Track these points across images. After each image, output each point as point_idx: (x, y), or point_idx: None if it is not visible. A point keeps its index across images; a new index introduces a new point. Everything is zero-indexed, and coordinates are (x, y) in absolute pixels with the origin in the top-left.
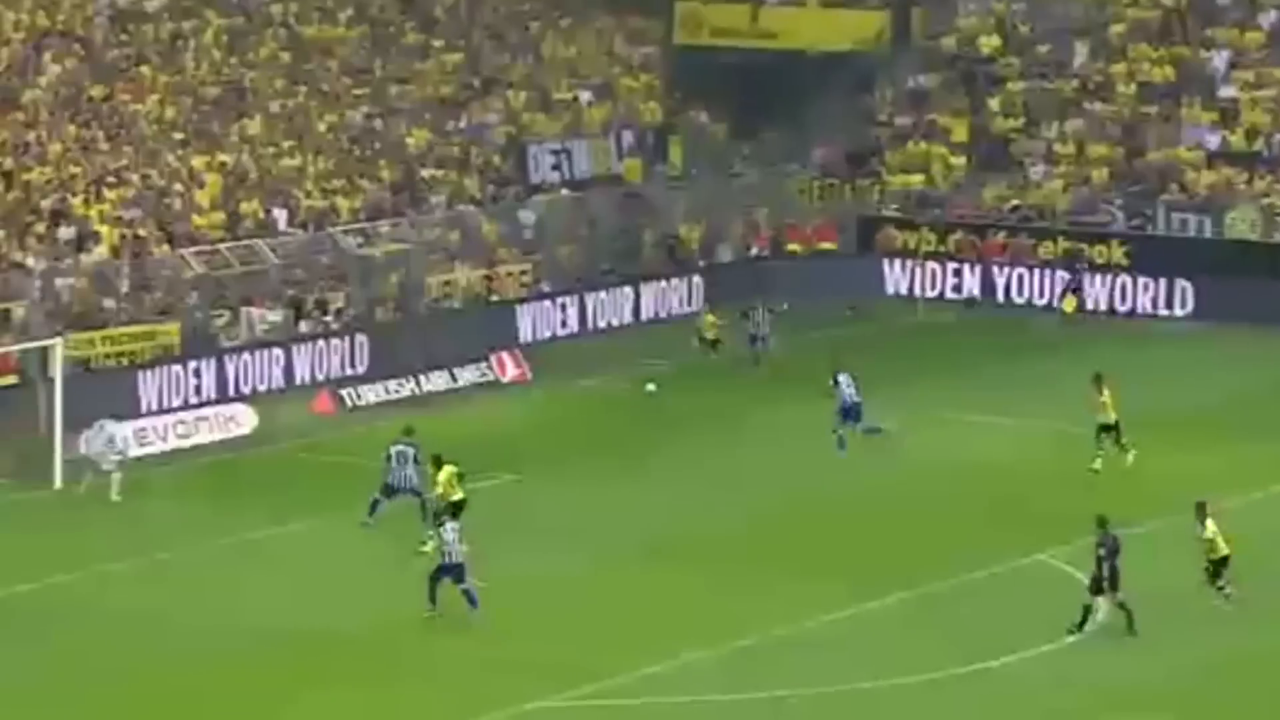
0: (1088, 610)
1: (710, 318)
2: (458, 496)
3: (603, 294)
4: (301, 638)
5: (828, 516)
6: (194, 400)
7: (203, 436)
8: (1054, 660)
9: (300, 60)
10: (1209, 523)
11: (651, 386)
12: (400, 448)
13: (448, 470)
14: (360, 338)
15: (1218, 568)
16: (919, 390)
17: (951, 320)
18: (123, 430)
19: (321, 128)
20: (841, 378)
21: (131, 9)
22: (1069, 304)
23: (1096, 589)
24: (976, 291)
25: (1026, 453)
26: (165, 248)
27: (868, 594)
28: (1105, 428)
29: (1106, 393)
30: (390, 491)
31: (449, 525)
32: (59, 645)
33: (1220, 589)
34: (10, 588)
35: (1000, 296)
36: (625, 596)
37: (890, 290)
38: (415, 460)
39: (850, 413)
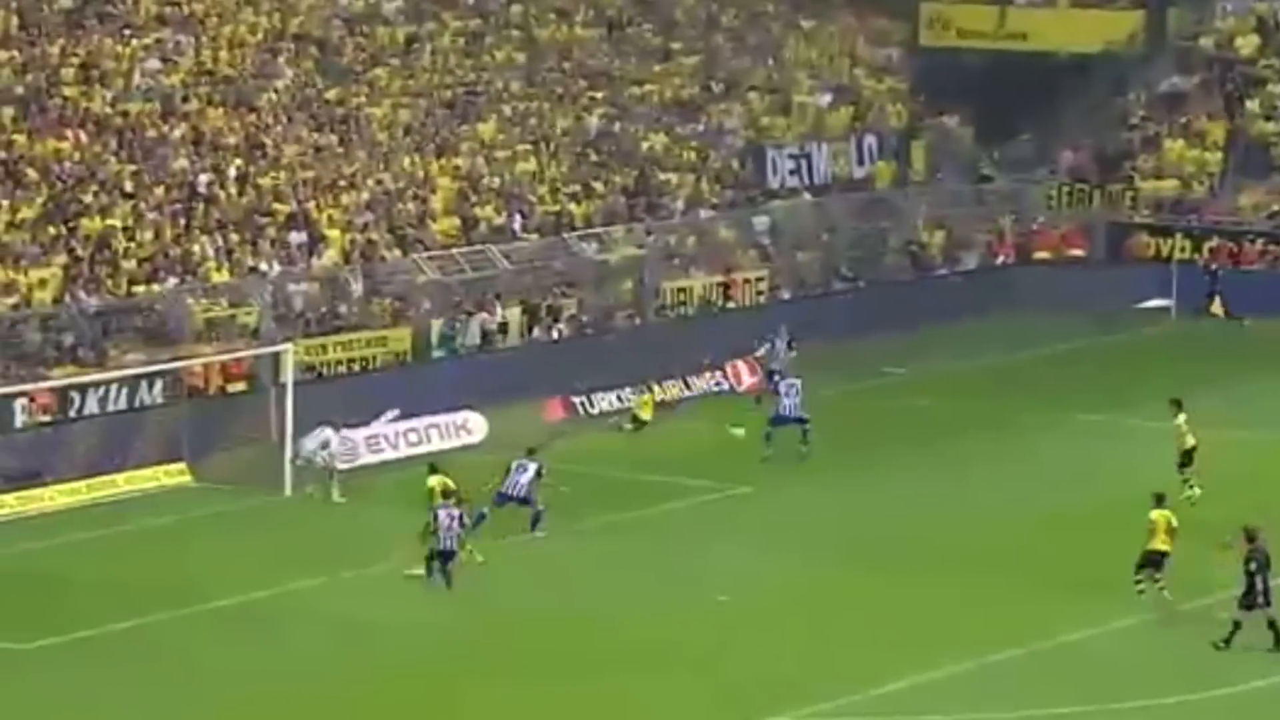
0: (1237, 626)
1: (645, 398)
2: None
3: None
4: (522, 641)
5: (1071, 528)
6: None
7: (434, 444)
8: None
9: (536, 62)
10: (1181, 416)
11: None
12: (521, 461)
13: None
14: (593, 345)
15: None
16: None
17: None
18: (333, 435)
19: (557, 131)
20: (783, 385)
21: (367, 12)
22: (1216, 308)
23: (1248, 604)
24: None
25: None
26: (396, 253)
27: (1116, 612)
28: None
29: (1182, 418)
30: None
31: (443, 510)
32: (294, 650)
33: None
34: (247, 594)
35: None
36: (859, 608)
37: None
38: (539, 474)
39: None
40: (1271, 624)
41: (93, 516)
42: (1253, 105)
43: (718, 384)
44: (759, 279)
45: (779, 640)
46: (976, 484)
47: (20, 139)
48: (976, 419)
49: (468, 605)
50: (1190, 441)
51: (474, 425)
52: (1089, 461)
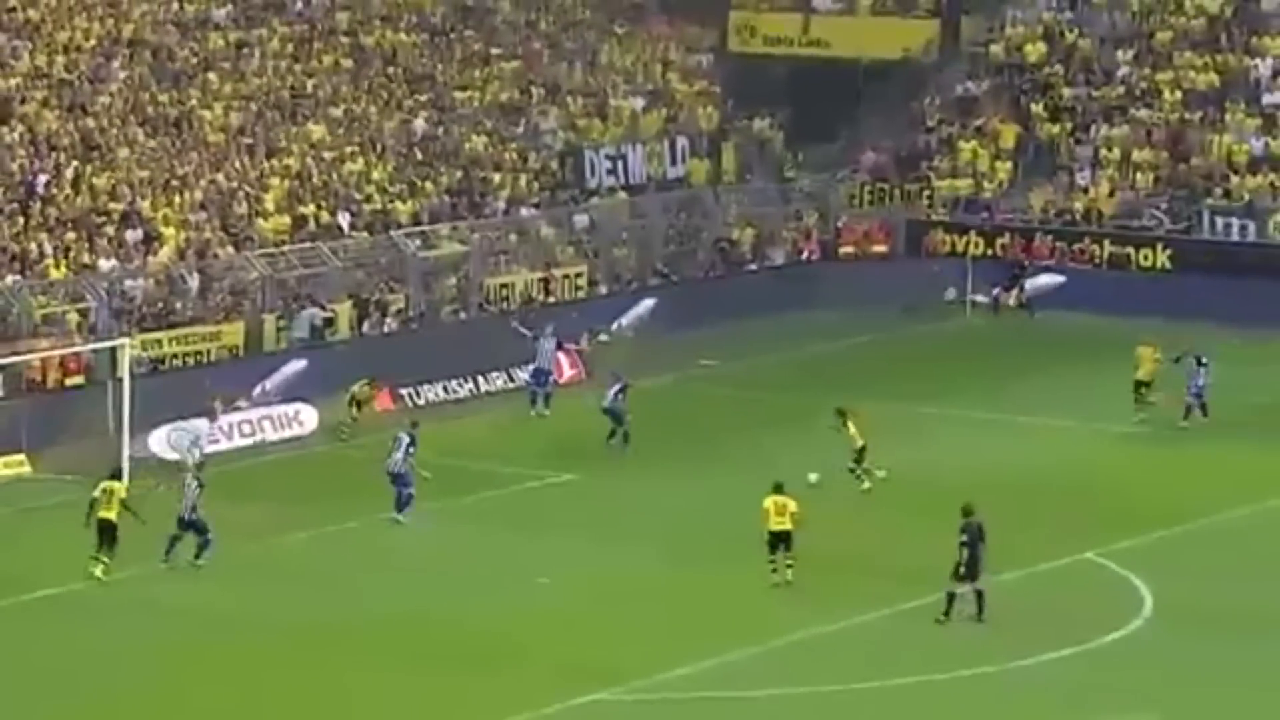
0: (950, 597)
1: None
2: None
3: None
4: (359, 627)
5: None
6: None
7: (267, 434)
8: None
9: (362, 67)
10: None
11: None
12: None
13: None
14: (420, 339)
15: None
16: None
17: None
18: (203, 427)
19: (383, 133)
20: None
21: (198, 17)
22: (1011, 299)
23: (960, 576)
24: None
25: (1064, 453)
26: (230, 250)
27: (913, 593)
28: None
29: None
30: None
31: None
32: (122, 638)
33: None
34: (78, 582)
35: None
36: (680, 591)
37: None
38: (410, 447)
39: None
40: (979, 595)
41: None
42: (1039, 109)
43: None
44: (578, 275)
45: (587, 626)
46: (782, 475)
47: None
48: (783, 410)
49: (296, 593)
50: (859, 443)
51: (305, 417)
52: (890, 449)
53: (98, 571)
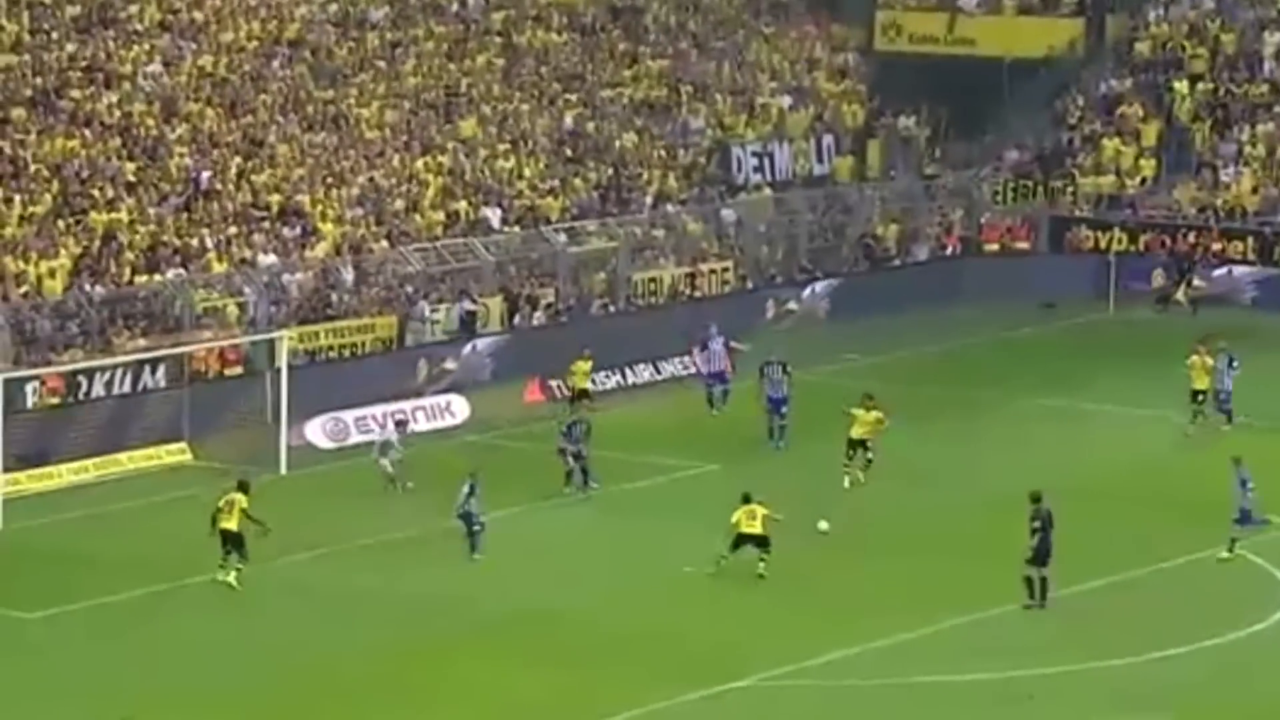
0: (1028, 581)
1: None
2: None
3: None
4: (512, 618)
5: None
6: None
7: (420, 425)
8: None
9: (514, 66)
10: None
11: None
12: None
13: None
14: (569, 332)
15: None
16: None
17: (1145, 316)
18: (393, 437)
19: (534, 130)
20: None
21: (356, 18)
22: (1180, 295)
23: (1036, 561)
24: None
25: (1200, 445)
26: (385, 244)
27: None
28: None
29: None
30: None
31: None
32: (284, 621)
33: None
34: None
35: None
36: (818, 580)
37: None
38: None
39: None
40: (1043, 581)
41: (98, 493)
42: (1182, 106)
43: (685, 368)
44: (724, 270)
45: (731, 613)
46: (925, 465)
47: (30, 138)
48: (925, 404)
49: (457, 578)
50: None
51: (457, 407)
52: (1034, 444)
53: (229, 578)
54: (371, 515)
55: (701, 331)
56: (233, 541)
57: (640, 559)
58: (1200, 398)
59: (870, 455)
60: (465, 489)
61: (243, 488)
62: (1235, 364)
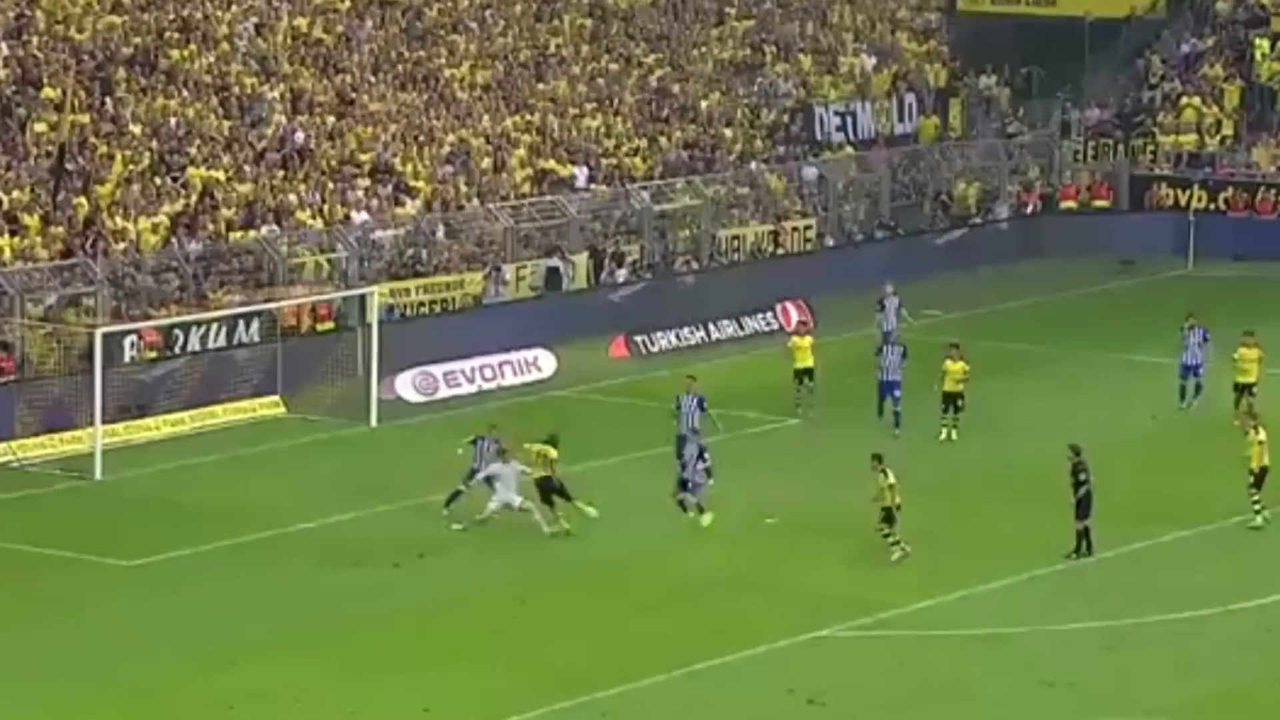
0: (1080, 535)
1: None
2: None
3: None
4: (596, 567)
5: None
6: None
7: (506, 380)
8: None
9: (602, 27)
10: (888, 472)
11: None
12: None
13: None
14: (654, 288)
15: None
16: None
17: (1226, 275)
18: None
19: (621, 90)
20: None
21: None
22: None
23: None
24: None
25: None
26: (474, 202)
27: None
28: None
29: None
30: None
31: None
32: (371, 570)
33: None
34: (331, 517)
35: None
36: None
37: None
38: (700, 407)
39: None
40: (1086, 532)
41: (194, 445)
42: (1264, 65)
43: (768, 324)
44: (807, 228)
45: (831, 560)
46: (1009, 417)
47: (130, 98)
48: (1005, 359)
49: (533, 540)
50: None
51: (544, 362)
52: (1119, 396)
53: (560, 525)
54: (461, 467)
55: (879, 291)
56: (547, 490)
57: (725, 510)
58: (1249, 392)
59: (960, 407)
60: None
61: (552, 441)
62: (1206, 336)
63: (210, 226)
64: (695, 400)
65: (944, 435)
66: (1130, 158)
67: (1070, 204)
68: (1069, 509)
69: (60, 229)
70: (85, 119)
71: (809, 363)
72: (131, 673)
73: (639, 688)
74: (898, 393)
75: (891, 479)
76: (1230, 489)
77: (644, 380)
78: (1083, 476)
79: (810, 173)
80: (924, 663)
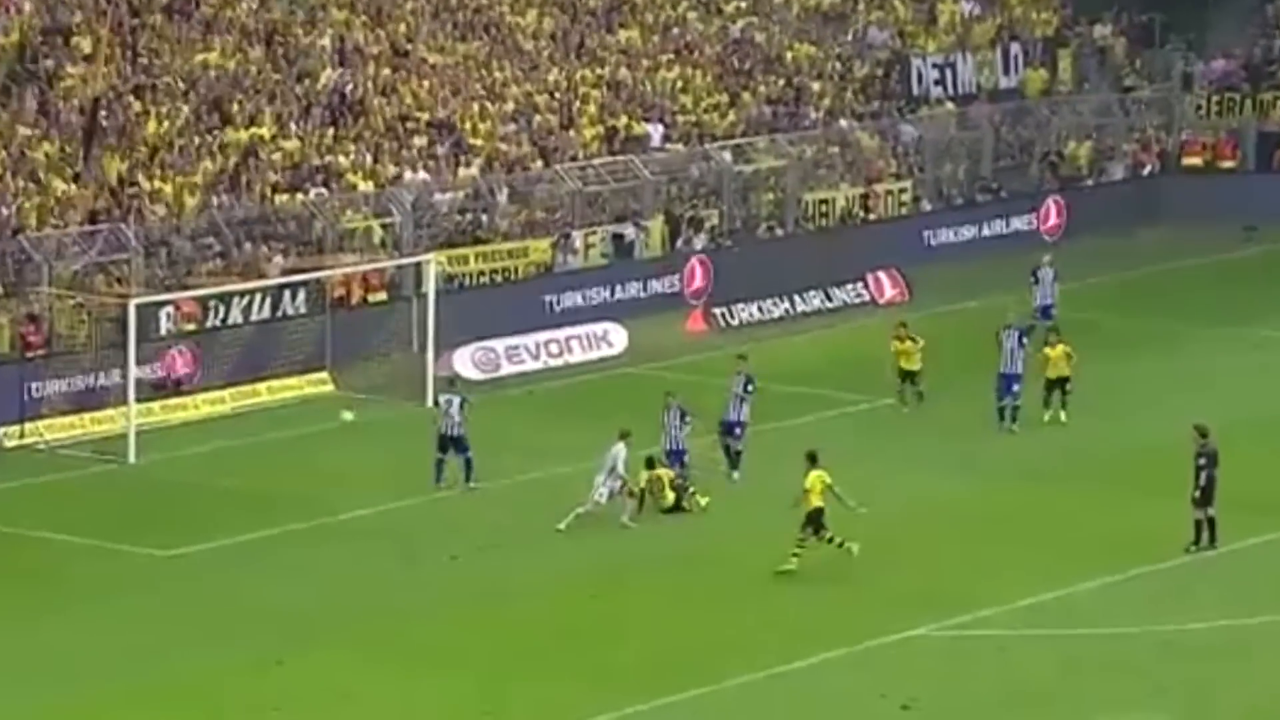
0: (1198, 525)
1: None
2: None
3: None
4: (672, 562)
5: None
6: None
7: (574, 355)
8: None
9: None
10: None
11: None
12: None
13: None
14: (735, 256)
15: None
16: None
17: None
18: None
19: (700, 39)
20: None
21: None
22: None
23: (1196, 500)
24: None
25: None
26: (540, 163)
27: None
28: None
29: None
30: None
31: (445, 397)
32: (432, 561)
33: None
34: (387, 504)
35: None
36: (1007, 521)
37: None
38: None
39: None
40: (1210, 522)
41: (236, 425)
42: None
43: (859, 296)
44: (901, 191)
45: (927, 553)
46: (1129, 398)
47: (166, 48)
48: (1117, 335)
49: (606, 532)
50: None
51: (614, 337)
52: (1246, 376)
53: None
54: (525, 450)
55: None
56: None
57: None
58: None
59: (1069, 389)
60: (456, 405)
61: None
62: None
63: (254, 188)
64: (744, 381)
65: (1046, 417)
66: (1258, 113)
67: (1194, 160)
68: (1188, 497)
69: (91, 190)
70: (118, 71)
71: (914, 365)
72: (168, 670)
73: (717, 691)
74: (1017, 387)
75: (824, 479)
76: None
77: (723, 358)
78: (1203, 461)
79: (908, 131)
80: (1025, 665)
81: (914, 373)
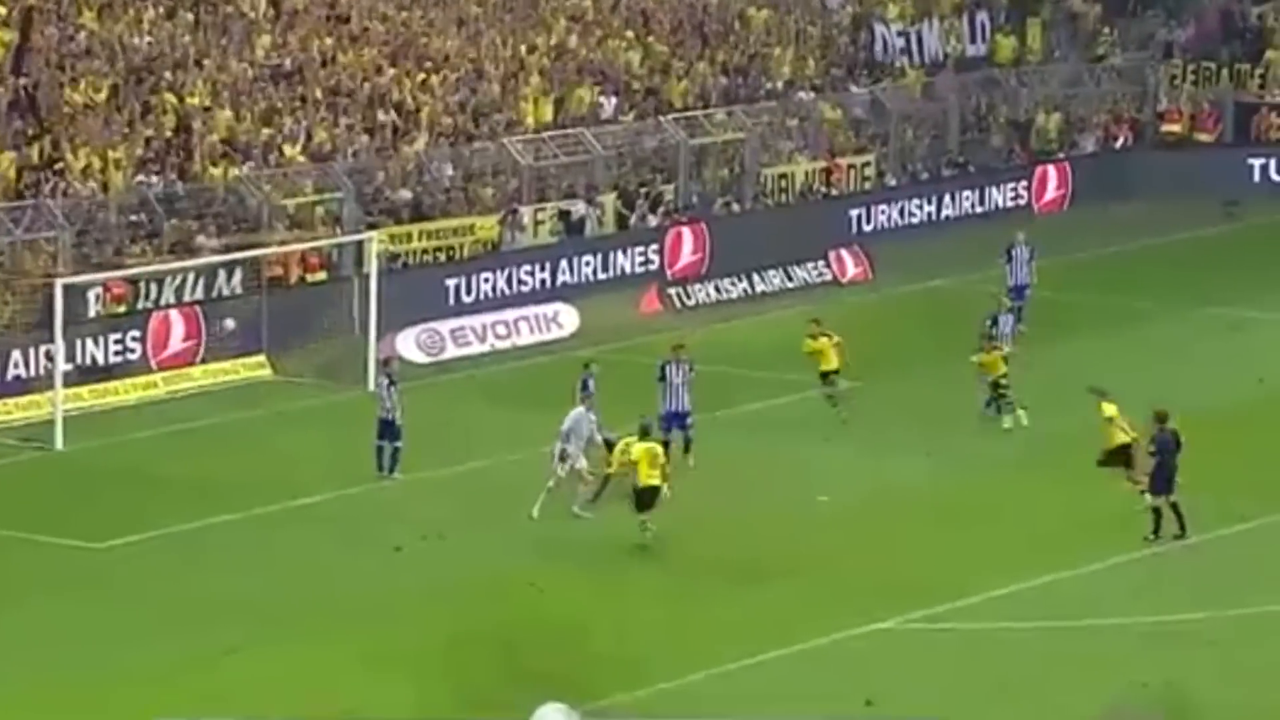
0: (1156, 512)
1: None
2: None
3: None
4: (621, 554)
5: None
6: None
7: (523, 338)
8: None
9: None
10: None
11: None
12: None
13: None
14: (689, 232)
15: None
16: None
17: None
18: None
19: (653, 4)
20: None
21: None
22: None
23: (1156, 490)
24: None
25: None
26: (485, 137)
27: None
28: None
29: None
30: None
31: (380, 380)
32: (378, 549)
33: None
34: (329, 492)
35: None
36: (977, 510)
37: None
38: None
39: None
40: (1174, 509)
41: (169, 411)
42: None
43: (820, 275)
44: (864, 165)
45: (894, 543)
46: (1101, 380)
47: (90, 16)
48: (1086, 314)
49: (555, 521)
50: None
51: (565, 318)
52: (1222, 359)
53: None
54: (472, 436)
55: (1005, 240)
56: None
57: (770, 485)
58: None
59: (1005, 393)
60: (385, 386)
61: (644, 431)
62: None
63: (186, 163)
64: (686, 370)
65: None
66: (1235, 83)
67: (1173, 128)
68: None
69: (13, 162)
70: (40, 38)
71: (832, 365)
72: (98, 670)
73: (669, 689)
74: (1005, 381)
75: (635, 452)
76: None
77: (679, 339)
78: (1155, 448)
79: (870, 103)
80: (998, 658)
81: (832, 372)
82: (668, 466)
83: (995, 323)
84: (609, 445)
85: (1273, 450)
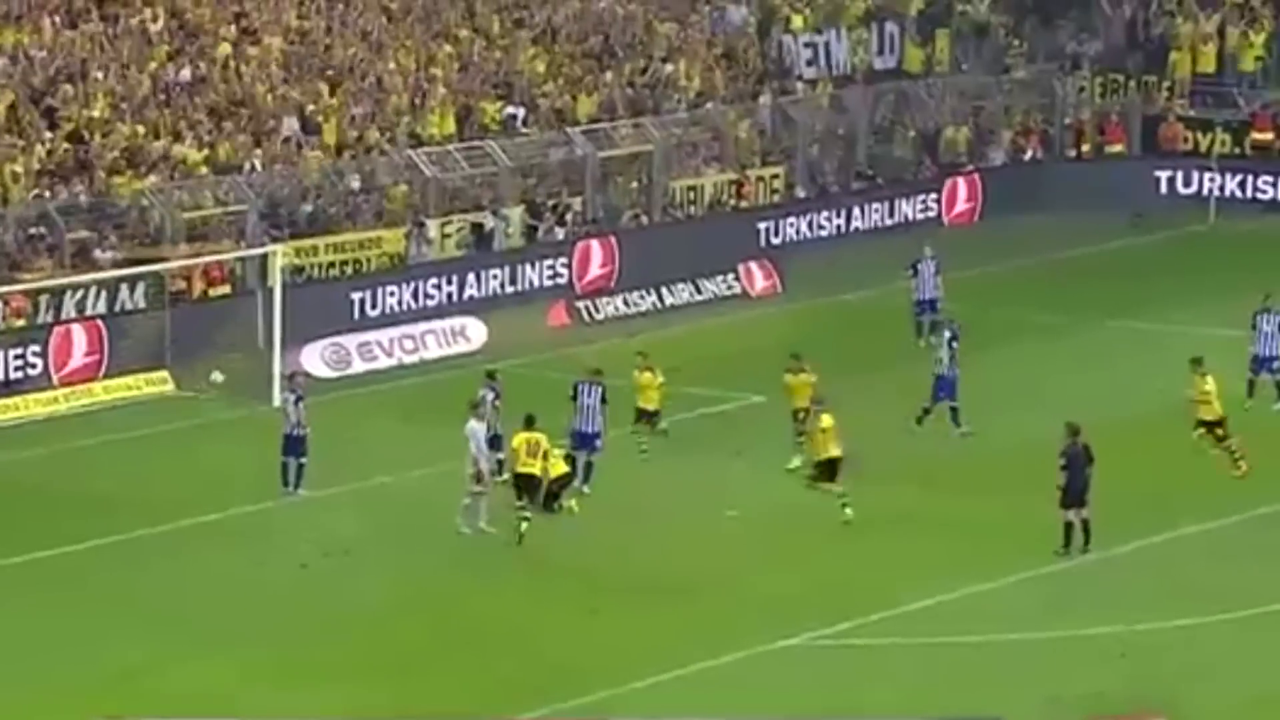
0: (1068, 526)
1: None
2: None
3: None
4: (530, 569)
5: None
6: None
7: (430, 351)
8: None
9: None
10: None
11: (218, 376)
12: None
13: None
14: (597, 245)
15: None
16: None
17: (1250, 229)
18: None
19: (560, 19)
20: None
21: None
22: None
23: (1067, 503)
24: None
25: None
26: (390, 148)
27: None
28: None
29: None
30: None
31: (283, 395)
32: (279, 567)
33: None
34: (230, 509)
35: None
36: (889, 524)
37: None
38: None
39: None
40: (1084, 524)
41: (70, 426)
42: None
43: (730, 288)
44: (773, 177)
45: (804, 557)
46: (1012, 395)
47: None
48: (994, 329)
49: (467, 538)
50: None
51: (472, 332)
52: (1133, 371)
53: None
54: (378, 452)
55: (915, 252)
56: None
57: (677, 502)
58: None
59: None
60: (292, 401)
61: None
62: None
63: (86, 175)
64: (599, 393)
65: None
66: (1143, 95)
67: (1076, 149)
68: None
69: None
70: None
71: (652, 404)
72: (11, 687)
73: (565, 709)
74: (944, 391)
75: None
76: (1264, 476)
77: (588, 353)
78: (1064, 461)
79: (777, 116)
80: (911, 674)
81: (653, 413)
82: (553, 456)
83: (931, 329)
84: (495, 444)
85: (1181, 462)
